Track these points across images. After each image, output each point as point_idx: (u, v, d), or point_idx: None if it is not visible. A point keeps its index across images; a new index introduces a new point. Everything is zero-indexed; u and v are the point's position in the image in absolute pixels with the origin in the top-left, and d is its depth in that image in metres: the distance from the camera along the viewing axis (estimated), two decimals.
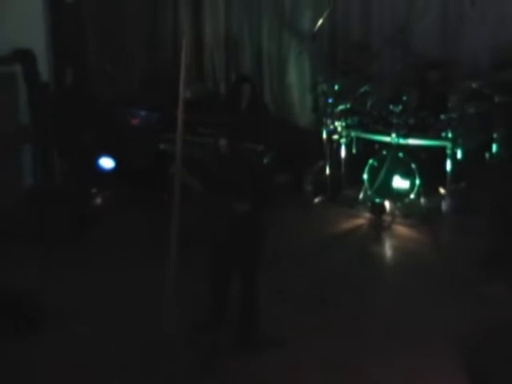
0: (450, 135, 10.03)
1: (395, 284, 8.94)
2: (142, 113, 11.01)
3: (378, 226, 10.01)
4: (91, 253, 9.30)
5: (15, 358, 7.38)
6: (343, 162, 10.69)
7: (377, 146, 10.46)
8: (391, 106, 10.33)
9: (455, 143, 10.06)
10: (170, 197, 7.22)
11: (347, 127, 10.56)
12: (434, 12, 10.94)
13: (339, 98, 10.70)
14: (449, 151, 10.05)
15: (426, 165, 10.14)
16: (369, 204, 10.22)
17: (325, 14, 10.85)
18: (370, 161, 10.25)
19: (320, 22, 10.84)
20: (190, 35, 11.33)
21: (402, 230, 10.00)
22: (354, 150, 10.69)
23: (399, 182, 10.12)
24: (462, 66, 10.73)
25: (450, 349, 7.34)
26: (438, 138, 10.13)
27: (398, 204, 10.14)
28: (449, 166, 10.09)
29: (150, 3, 11.95)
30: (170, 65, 11.26)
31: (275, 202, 7.93)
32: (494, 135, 10.00)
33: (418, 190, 10.06)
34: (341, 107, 10.62)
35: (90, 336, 7.69)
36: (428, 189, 10.15)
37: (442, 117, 10.15)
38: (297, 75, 11.73)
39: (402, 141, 10.11)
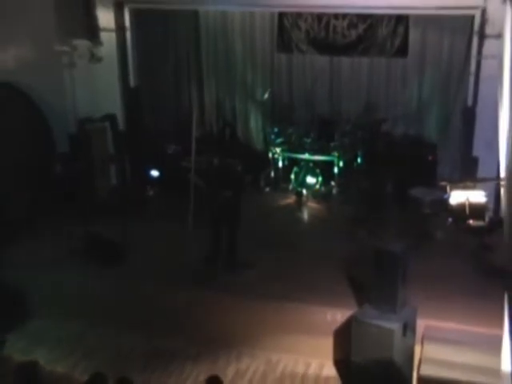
0: (336, 154, 10.07)
1: (310, 232, 9.14)
2: (172, 146, 10.97)
3: (300, 203, 9.92)
4: (147, 218, 9.20)
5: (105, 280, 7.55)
6: (280, 169, 10.52)
7: (298, 160, 10.30)
8: (305, 139, 10.35)
9: (339, 158, 10.06)
10: (188, 190, 7.64)
11: (282, 150, 10.42)
12: (326, 86, 10.85)
13: (277, 135, 10.56)
14: (336, 162, 10.07)
15: (324, 170, 10.02)
16: (294, 191, 10.08)
17: (268, 91, 10.83)
18: (295, 168, 10.20)
19: (266, 94, 10.81)
20: (197, 102, 11.32)
21: (312, 204, 9.95)
22: (286, 163, 10.58)
23: (310, 179, 10.05)
24: (341, 117, 10.62)
25: (339, 263, 7.70)
26: (330, 155, 10.10)
27: (310, 191, 10.07)
28: (336, 170, 10.10)
29: (177, 87, 11.88)
30: (187, 118, 11.25)
31: (244, 191, 7.98)
32: (358, 153, 10.13)
33: (320, 183, 10.03)
34: (278, 140, 10.53)
35: (148, 260, 7.87)
36: (325, 182, 10.11)
37: (332, 144, 10.22)
38: (255, 122, 11.41)
39: (311, 157, 10.09)
